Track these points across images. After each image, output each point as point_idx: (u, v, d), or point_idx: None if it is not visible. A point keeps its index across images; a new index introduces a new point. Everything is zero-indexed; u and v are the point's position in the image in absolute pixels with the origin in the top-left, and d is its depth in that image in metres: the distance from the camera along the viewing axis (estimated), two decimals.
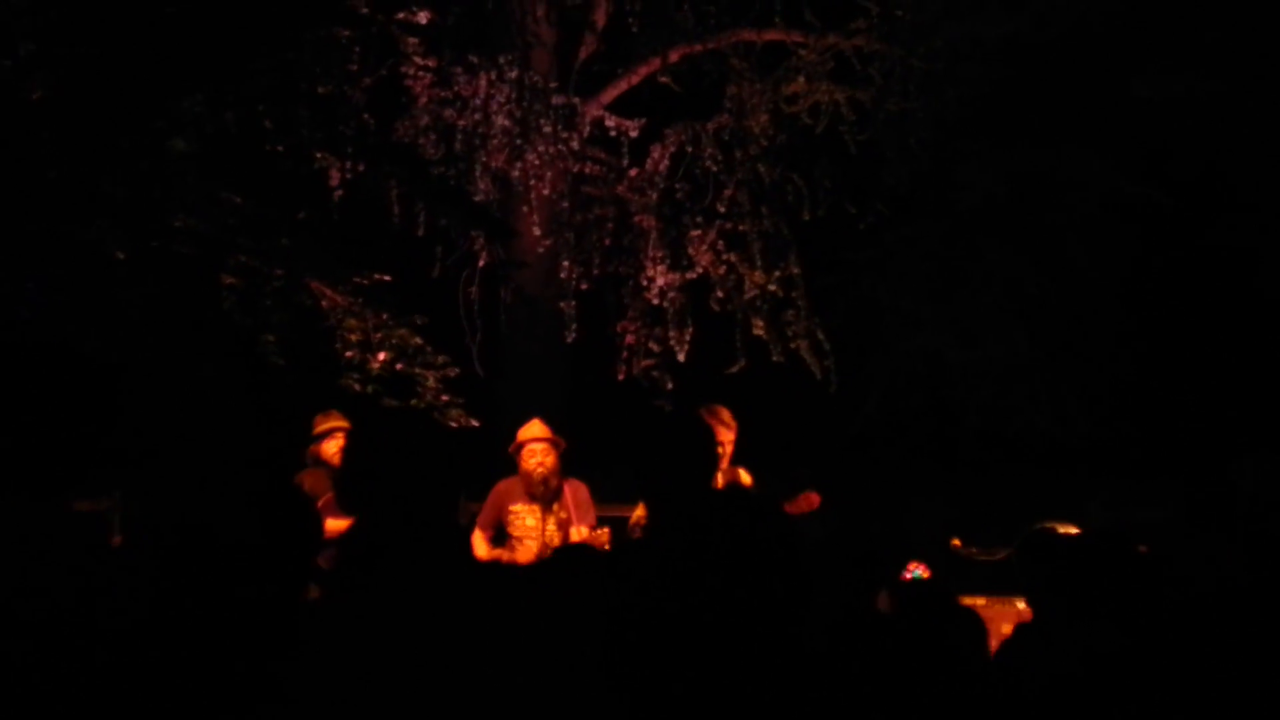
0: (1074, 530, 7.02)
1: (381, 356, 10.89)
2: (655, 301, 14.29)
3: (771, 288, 14.31)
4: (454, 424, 11.05)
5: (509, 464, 9.44)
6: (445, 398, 11.17)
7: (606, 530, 9.06)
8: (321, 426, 9.64)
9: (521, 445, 9.21)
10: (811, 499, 9.59)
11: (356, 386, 10.82)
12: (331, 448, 9.42)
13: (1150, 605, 4.55)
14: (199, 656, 3.19)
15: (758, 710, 3.18)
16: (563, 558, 3.99)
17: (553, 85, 13.86)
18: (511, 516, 9.27)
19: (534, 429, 9.23)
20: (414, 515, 3.11)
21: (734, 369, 14.34)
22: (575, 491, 9.28)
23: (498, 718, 3.00)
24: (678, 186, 14.49)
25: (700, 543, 3.30)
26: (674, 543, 3.38)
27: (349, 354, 10.88)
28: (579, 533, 9.06)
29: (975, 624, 5.44)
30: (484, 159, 13.64)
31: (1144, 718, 4.12)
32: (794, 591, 3.29)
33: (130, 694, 3.09)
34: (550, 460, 9.09)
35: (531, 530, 9.12)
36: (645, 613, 3.33)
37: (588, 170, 14.34)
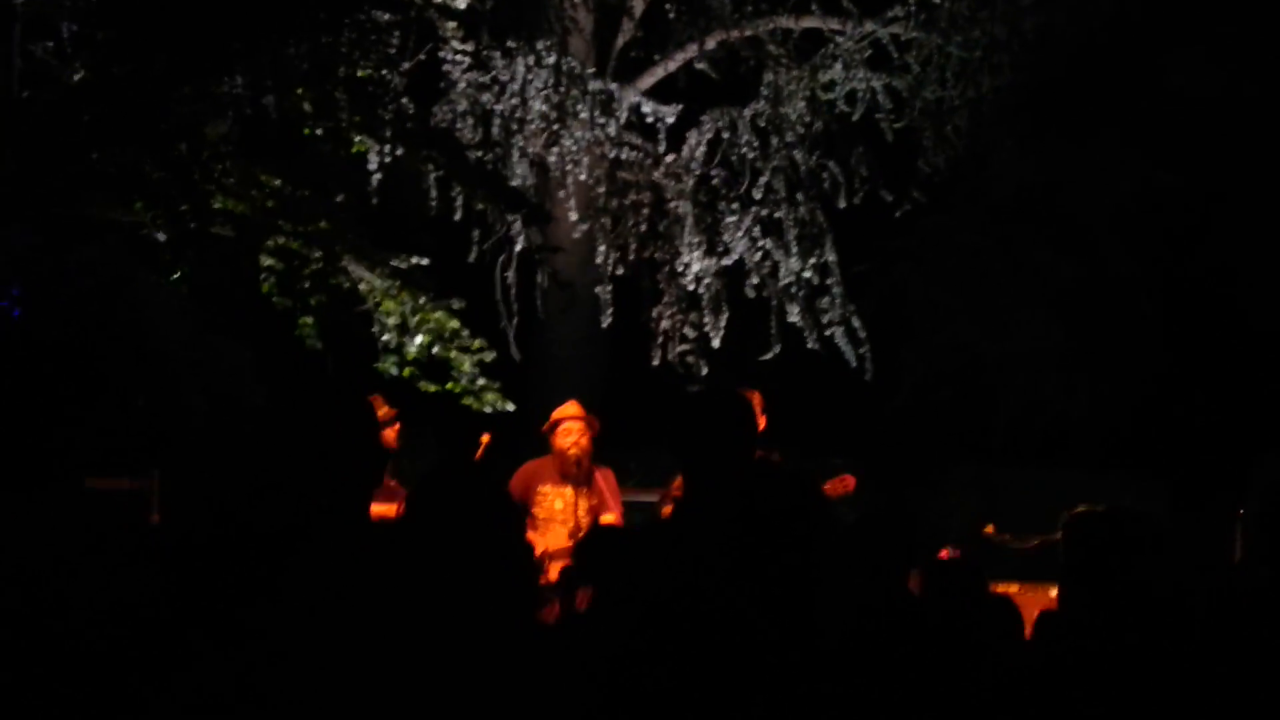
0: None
1: (419, 340, 10.93)
2: (691, 287, 14.31)
3: (807, 274, 14.32)
4: (489, 408, 11.09)
5: (542, 447, 9.47)
6: (481, 381, 11.21)
7: None
8: None
9: (557, 423, 9.21)
10: (847, 481, 9.61)
11: (394, 370, 10.87)
12: (389, 435, 9.26)
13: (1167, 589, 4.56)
14: (220, 630, 3.24)
15: (792, 684, 3.22)
16: (595, 541, 4.00)
17: (590, 71, 13.87)
18: (539, 497, 9.22)
19: (569, 408, 9.25)
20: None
21: (768, 355, 14.36)
22: (606, 478, 9.28)
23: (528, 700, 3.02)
24: (714, 173, 14.50)
25: (744, 515, 3.35)
26: (718, 516, 3.42)
27: (386, 337, 10.93)
28: (611, 519, 9.07)
29: (1009, 610, 5.47)
30: (521, 144, 13.68)
31: (1163, 707, 4.14)
32: (821, 562, 3.34)
33: (148, 665, 3.15)
34: (585, 440, 9.08)
35: (559, 513, 9.08)
36: (689, 585, 3.37)
37: (624, 156, 14.36)
